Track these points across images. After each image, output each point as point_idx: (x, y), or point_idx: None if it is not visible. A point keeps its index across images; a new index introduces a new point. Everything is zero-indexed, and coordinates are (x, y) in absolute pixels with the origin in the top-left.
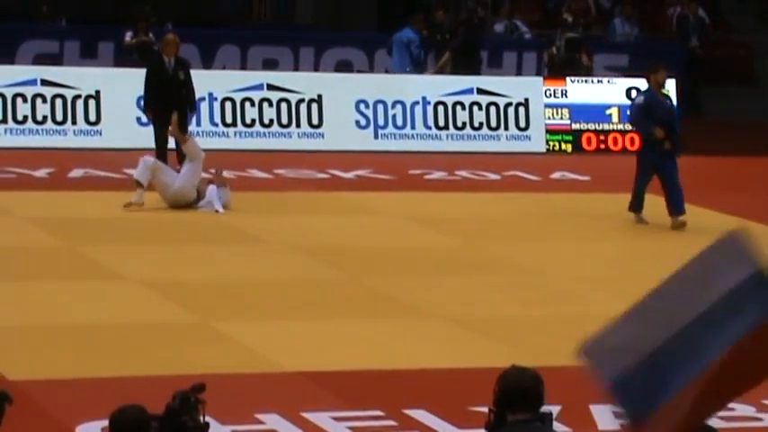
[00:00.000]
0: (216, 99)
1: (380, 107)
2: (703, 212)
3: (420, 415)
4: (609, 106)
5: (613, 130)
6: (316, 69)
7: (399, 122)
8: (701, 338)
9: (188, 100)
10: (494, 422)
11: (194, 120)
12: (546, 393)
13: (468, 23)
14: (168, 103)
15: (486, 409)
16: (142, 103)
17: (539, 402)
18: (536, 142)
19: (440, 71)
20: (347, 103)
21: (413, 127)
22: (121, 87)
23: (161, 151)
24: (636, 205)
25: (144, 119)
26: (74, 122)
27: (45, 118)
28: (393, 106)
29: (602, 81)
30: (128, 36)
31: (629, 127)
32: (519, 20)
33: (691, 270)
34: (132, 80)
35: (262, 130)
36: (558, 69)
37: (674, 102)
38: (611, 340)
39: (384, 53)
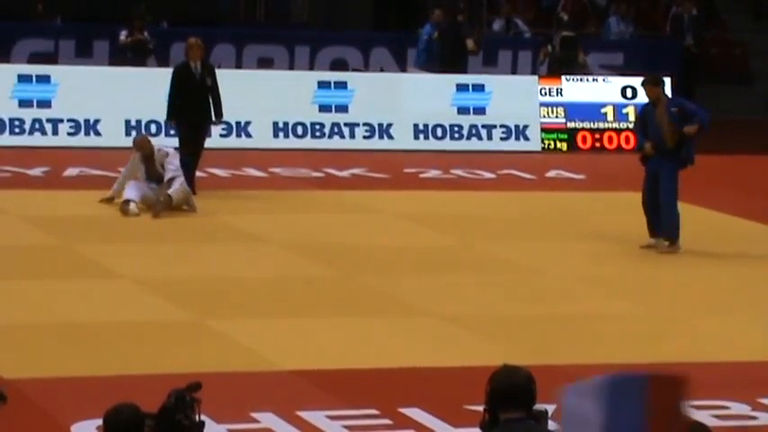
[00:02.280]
0: None
1: (375, 105)
2: (698, 211)
3: (415, 413)
4: (604, 105)
5: (609, 129)
6: (311, 68)
7: (394, 121)
8: None
9: (215, 107)
10: (487, 421)
11: None
12: (541, 392)
13: (451, 22)
14: (196, 110)
15: (480, 408)
16: (166, 110)
17: (531, 401)
18: (531, 141)
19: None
20: (341, 101)
21: (407, 125)
22: (116, 86)
23: (189, 164)
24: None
25: (134, 121)
26: (69, 121)
27: (40, 117)
28: (388, 104)
29: (597, 80)
30: (122, 35)
31: (624, 126)
32: (518, 18)
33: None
34: (127, 79)
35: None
36: (554, 68)
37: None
38: None
39: (379, 51)
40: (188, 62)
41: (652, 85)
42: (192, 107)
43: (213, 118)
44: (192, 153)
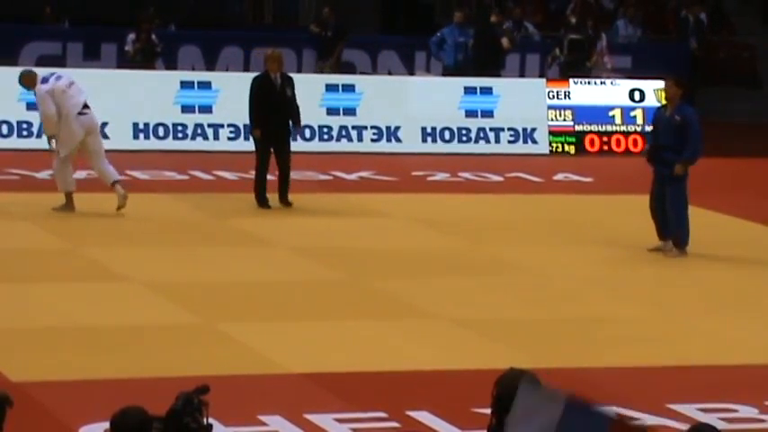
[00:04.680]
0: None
1: (383, 108)
2: (706, 214)
3: (423, 416)
4: (612, 108)
5: (616, 132)
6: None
7: (402, 124)
8: None
9: (294, 116)
10: (494, 425)
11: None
12: None
13: (484, 24)
14: (276, 120)
15: (489, 411)
16: (249, 122)
17: None
18: (539, 144)
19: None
20: (349, 104)
21: (415, 128)
22: (124, 89)
23: (263, 175)
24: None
25: (141, 124)
26: None
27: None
28: (396, 107)
29: (605, 82)
30: (128, 44)
31: (631, 129)
32: (527, 22)
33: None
34: (135, 82)
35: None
36: (562, 71)
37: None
38: None
39: (386, 55)
40: (267, 73)
41: (673, 85)
42: (272, 118)
43: (291, 127)
44: (280, 163)
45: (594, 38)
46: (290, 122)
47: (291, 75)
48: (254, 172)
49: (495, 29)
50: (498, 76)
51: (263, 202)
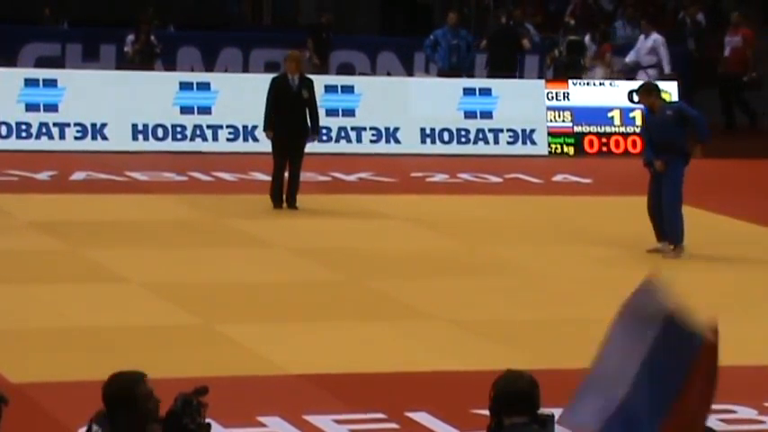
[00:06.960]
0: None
1: (383, 109)
2: (703, 214)
3: (422, 417)
4: (611, 109)
5: (615, 133)
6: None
7: (401, 125)
8: (652, 389)
9: (312, 121)
10: (492, 427)
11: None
12: (548, 396)
13: (499, 28)
14: (290, 122)
15: (487, 412)
16: (263, 123)
17: (534, 405)
18: (538, 145)
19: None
20: (348, 105)
21: (414, 129)
22: (123, 90)
23: (278, 176)
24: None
25: (140, 125)
26: (75, 125)
27: (47, 121)
28: (394, 108)
29: (603, 83)
30: (128, 44)
31: (630, 130)
32: (527, 22)
33: (620, 328)
34: (134, 83)
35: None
36: (560, 72)
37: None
38: (581, 408)
39: (385, 56)
40: (285, 74)
41: (644, 94)
42: (287, 119)
43: (309, 131)
44: (290, 165)
45: (583, 40)
46: (309, 125)
47: (294, 75)
48: (253, 173)
49: (516, 29)
50: (515, 76)
51: (275, 202)
